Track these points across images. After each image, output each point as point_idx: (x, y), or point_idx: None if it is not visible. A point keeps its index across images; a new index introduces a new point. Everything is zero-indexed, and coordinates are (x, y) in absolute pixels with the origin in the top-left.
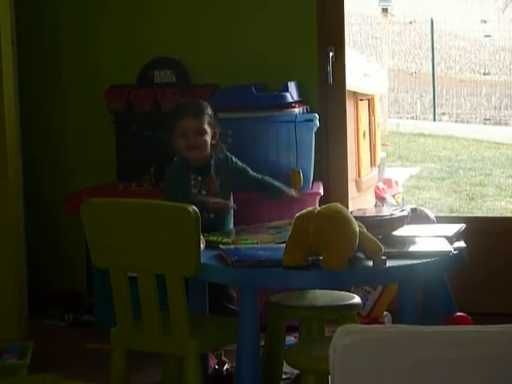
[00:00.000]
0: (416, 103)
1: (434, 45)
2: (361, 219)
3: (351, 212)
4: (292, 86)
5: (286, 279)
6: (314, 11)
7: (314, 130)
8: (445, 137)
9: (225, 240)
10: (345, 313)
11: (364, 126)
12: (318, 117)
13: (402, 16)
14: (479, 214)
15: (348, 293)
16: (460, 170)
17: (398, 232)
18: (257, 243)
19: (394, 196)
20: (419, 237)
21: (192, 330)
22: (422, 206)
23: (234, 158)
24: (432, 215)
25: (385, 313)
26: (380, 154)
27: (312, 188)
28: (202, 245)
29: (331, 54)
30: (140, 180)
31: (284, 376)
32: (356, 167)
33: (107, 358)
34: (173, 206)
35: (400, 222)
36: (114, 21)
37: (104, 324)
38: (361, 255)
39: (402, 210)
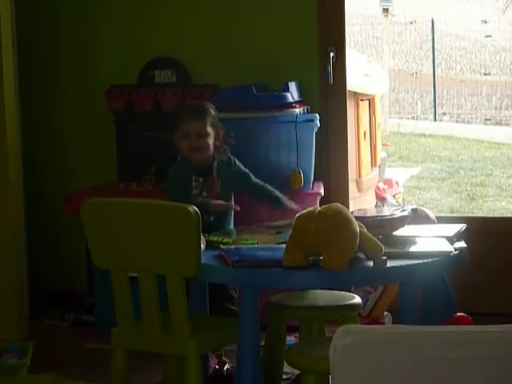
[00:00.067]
0: (417, 103)
1: (435, 45)
2: (361, 219)
3: (352, 212)
4: (292, 86)
5: (287, 279)
6: (315, 11)
7: (315, 130)
8: (445, 137)
9: (225, 240)
10: (345, 313)
11: (364, 126)
12: (318, 117)
13: (402, 16)
14: (480, 214)
15: (348, 293)
16: (461, 171)
17: (399, 232)
18: (257, 243)
19: (394, 196)
20: (420, 237)
21: (193, 330)
22: (422, 206)
23: (237, 162)
24: (432, 215)
25: (385, 313)
26: (380, 154)
27: (312, 188)
28: (202, 245)
29: (332, 54)
30: (141, 180)
31: (284, 376)
32: (356, 167)
33: (108, 358)
34: (173, 206)
35: (400, 222)
36: (114, 21)
37: (105, 324)
38: (361, 255)
39: (403, 210)
